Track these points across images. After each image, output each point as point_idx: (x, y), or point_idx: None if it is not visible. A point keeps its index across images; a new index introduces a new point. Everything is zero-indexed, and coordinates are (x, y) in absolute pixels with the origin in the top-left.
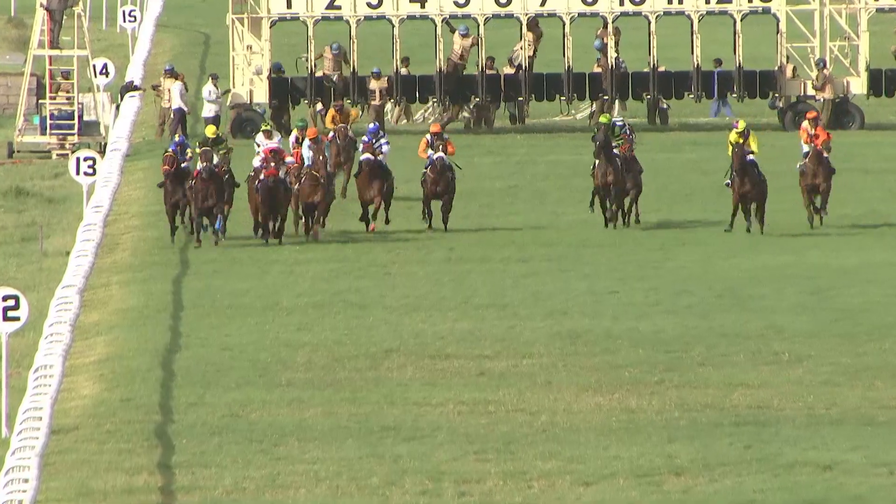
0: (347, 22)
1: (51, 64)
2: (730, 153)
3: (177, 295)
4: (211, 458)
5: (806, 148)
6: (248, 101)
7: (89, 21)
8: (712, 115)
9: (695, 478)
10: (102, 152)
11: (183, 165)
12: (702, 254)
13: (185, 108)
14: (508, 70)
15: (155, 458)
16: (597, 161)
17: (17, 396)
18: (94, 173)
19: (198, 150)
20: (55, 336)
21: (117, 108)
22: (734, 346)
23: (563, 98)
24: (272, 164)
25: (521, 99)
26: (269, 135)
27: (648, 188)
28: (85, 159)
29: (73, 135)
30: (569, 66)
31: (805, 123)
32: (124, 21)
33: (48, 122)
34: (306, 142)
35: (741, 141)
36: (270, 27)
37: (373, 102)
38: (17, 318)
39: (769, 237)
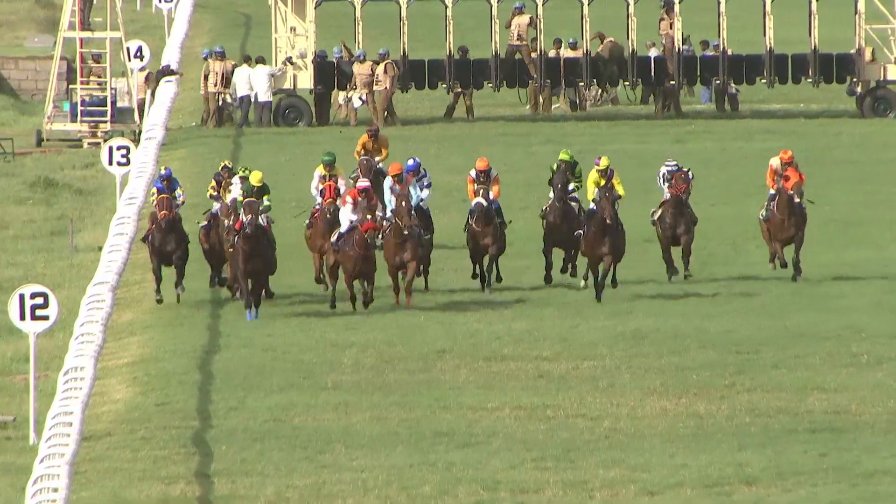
0: (398, 2)
1: (82, 47)
2: (593, 190)
3: (215, 292)
4: (252, 465)
5: (771, 191)
6: (292, 87)
7: (122, 1)
8: (704, 101)
9: (767, 488)
10: (137, 141)
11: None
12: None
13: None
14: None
15: (192, 466)
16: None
17: (45, 400)
18: (127, 163)
19: (240, 199)
20: (86, 336)
21: (152, 93)
22: (809, 347)
23: (626, 84)
24: (367, 213)
25: (581, 84)
26: (331, 167)
27: (718, 179)
28: (118, 148)
29: (105, 122)
30: (633, 51)
31: (775, 162)
32: (160, 1)
33: (79, 108)
34: (387, 181)
35: (602, 182)
36: (316, 8)
37: (377, 88)
38: (46, 318)
39: (845, 230)
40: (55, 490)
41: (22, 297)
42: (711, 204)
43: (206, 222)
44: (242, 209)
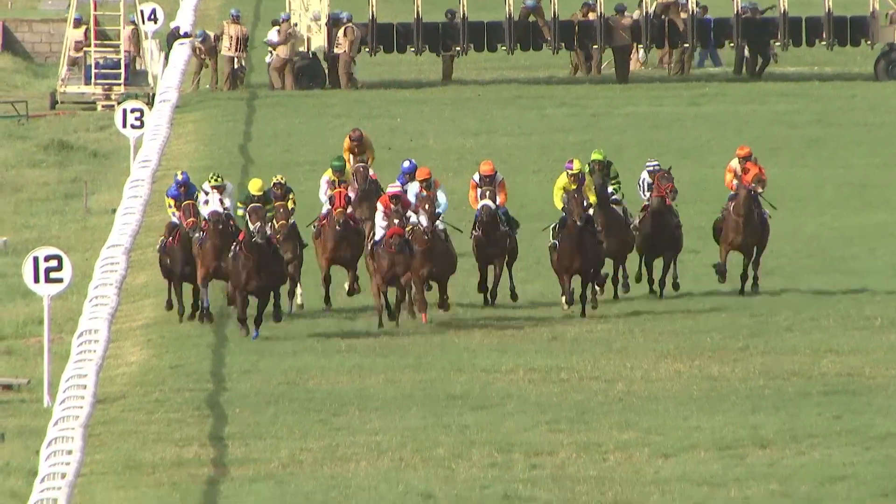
0: None
1: (95, 9)
2: (559, 197)
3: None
4: (266, 428)
5: (731, 192)
6: (306, 50)
7: None
8: (697, 65)
9: (781, 450)
10: (150, 103)
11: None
12: (790, 212)
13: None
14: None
15: (206, 428)
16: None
17: (59, 363)
18: (141, 126)
19: (240, 213)
20: (100, 299)
21: (166, 56)
22: (823, 309)
23: (640, 46)
24: (395, 218)
25: (595, 47)
26: (340, 173)
27: (732, 142)
28: (132, 111)
29: (119, 85)
30: (647, 14)
31: (733, 162)
32: None
33: (93, 71)
34: (413, 186)
35: (574, 188)
36: None
37: (336, 51)
38: (60, 280)
39: (860, 193)
40: (69, 453)
41: (36, 259)
42: (725, 167)
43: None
44: (249, 216)
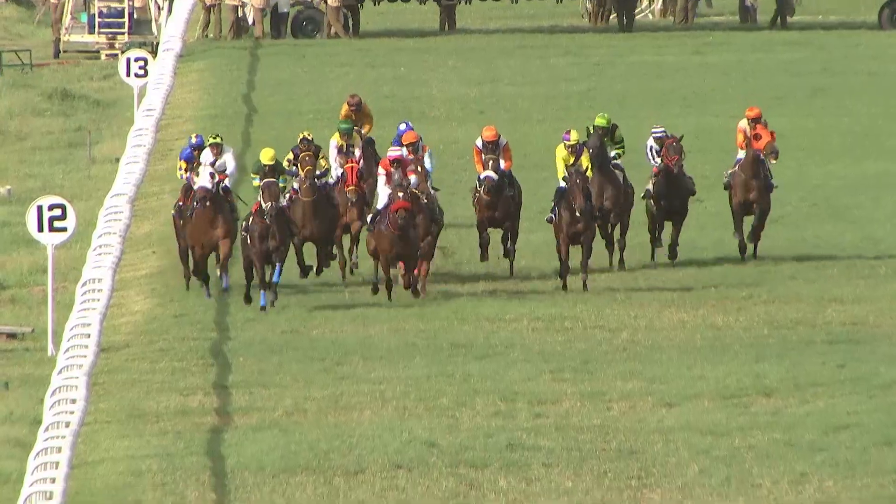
0: None
1: None
2: (562, 168)
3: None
4: (270, 377)
5: (741, 154)
6: None
7: None
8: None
9: (785, 399)
10: (154, 52)
11: (225, 183)
12: (795, 161)
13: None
14: None
15: (210, 377)
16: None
17: (63, 312)
18: (145, 75)
19: (256, 183)
20: (104, 248)
21: (170, 5)
22: (828, 258)
23: None
24: (398, 191)
25: None
26: (348, 136)
27: (737, 91)
28: (136, 60)
29: (123, 34)
30: None
31: (742, 123)
32: None
33: (97, 20)
34: (392, 146)
35: (572, 160)
36: None
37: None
38: (64, 229)
39: (865, 142)
40: (73, 401)
41: (40, 208)
42: (731, 116)
43: (285, 201)
44: (261, 193)
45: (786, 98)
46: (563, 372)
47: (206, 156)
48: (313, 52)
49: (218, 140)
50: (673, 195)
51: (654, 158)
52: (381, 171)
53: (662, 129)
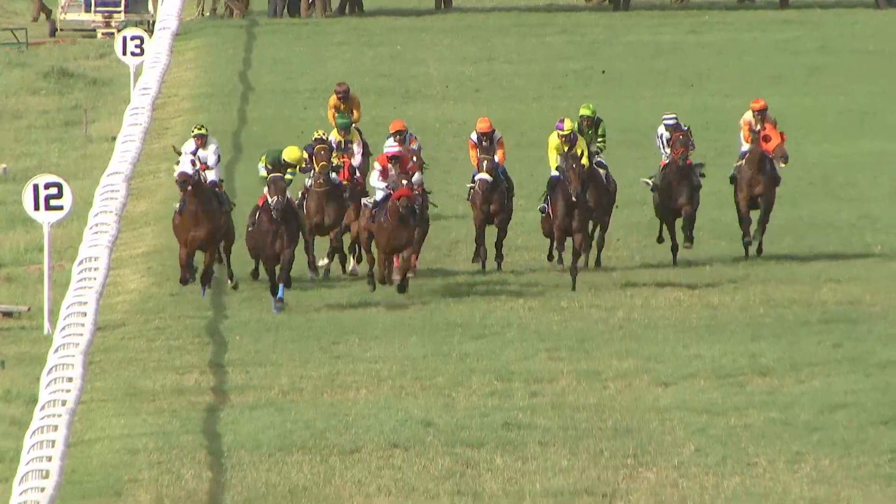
0: None
1: None
2: (554, 158)
3: (230, 182)
4: (266, 356)
5: (745, 147)
6: None
7: None
8: None
9: (781, 378)
10: (151, 31)
11: (210, 177)
12: (791, 140)
13: None
14: None
15: (206, 356)
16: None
17: (60, 290)
18: (141, 53)
19: (263, 174)
20: (100, 226)
21: None
22: (824, 237)
23: None
24: (401, 180)
25: None
26: (345, 132)
27: (732, 70)
28: (132, 38)
29: (119, 12)
30: None
31: (747, 115)
32: None
33: None
34: (388, 141)
35: (566, 149)
36: None
37: None
38: (61, 208)
39: (861, 120)
40: (69, 380)
41: (36, 187)
42: (726, 95)
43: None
44: (268, 187)
45: (782, 77)
46: (559, 351)
47: (189, 146)
48: (310, 31)
49: (203, 131)
50: (678, 190)
51: (663, 147)
52: (376, 165)
53: (674, 116)
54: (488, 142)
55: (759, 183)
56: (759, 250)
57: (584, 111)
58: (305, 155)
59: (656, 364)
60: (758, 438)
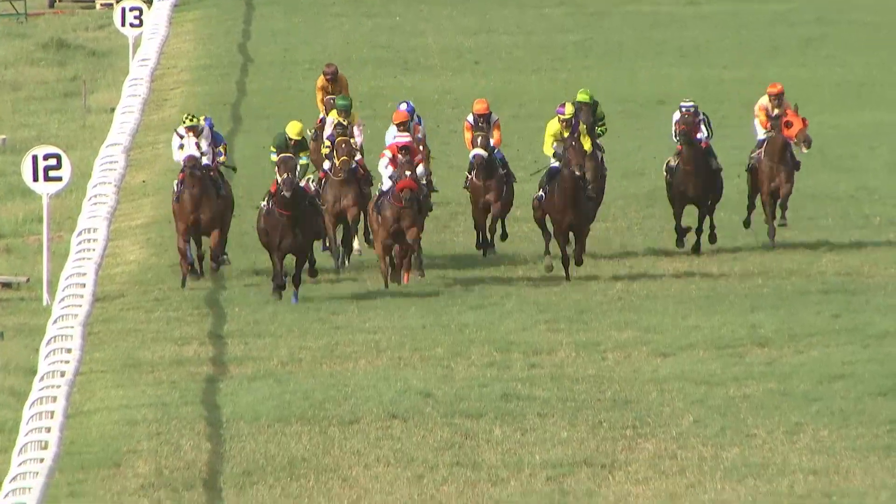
0: None
1: None
2: (550, 144)
3: (229, 154)
4: (265, 327)
5: (762, 135)
6: None
7: None
8: None
9: (779, 349)
10: (149, 2)
11: (205, 163)
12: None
13: None
14: None
15: (206, 327)
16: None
17: (59, 262)
18: (140, 24)
19: (273, 158)
20: (99, 198)
21: None
22: (822, 208)
23: None
24: (405, 169)
25: None
26: (346, 114)
27: (731, 42)
28: (131, 9)
29: None
30: None
31: (763, 100)
32: None
33: None
34: (391, 130)
35: (566, 135)
36: None
37: None
38: (59, 179)
39: (858, 92)
40: (68, 351)
41: (35, 158)
42: (724, 67)
43: (314, 183)
44: (277, 167)
45: (780, 48)
46: (558, 322)
47: (189, 144)
48: (309, 2)
49: (194, 122)
50: (692, 174)
51: (675, 133)
52: (386, 153)
53: (692, 103)
54: (485, 124)
55: (781, 172)
56: (785, 222)
57: (582, 97)
58: (327, 143)
59: (655, 335)
60: (756, 409)
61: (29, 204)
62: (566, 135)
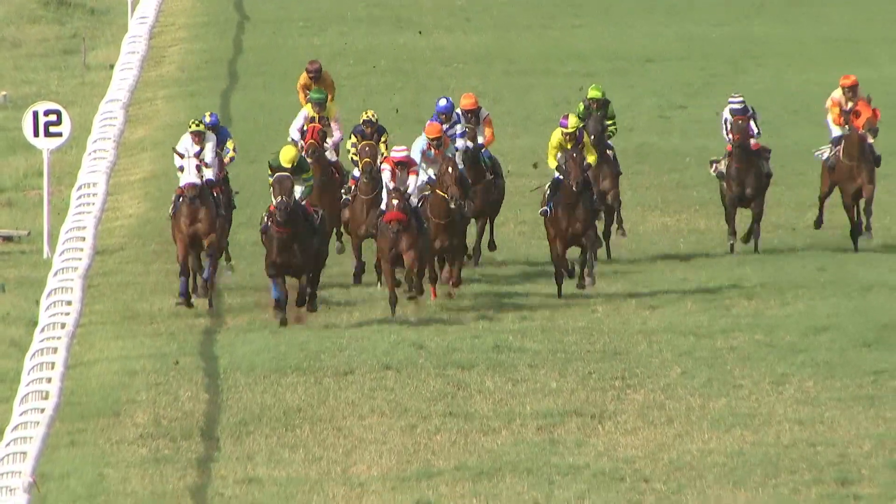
0: None
1: None
2: (554, 157)
3: (225, 110)
4: (261, 279)
5: (837, 131)
6: None
7: None
8: None
9: (766, 301)
10: None
11: (207, 175)
12: (775, 69)
13: None
14: None
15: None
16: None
17: (59, 216)
18: None
19: (271, 181)
20: (99, 153)
21: None
22: (808, 164)
23: None
24: (393, 198)
25: None
26: (320, 107)
27: None
28: None
29: None
30: None
31: (836, 94)
32: None
33: None
34: (421, 143)
35: (570, 146)
36: None
37: None
38: (60, 134)
39: (843, 49)
40: (68, 303)
41: (35, 114)
42: (713, 24)
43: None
44: (272, 188)
45: (764, 5)
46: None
47: (186, 141)
48: None
49: (200, 128)
50: (744, 177)
51: (727, 132)
52: (386, 166)
53: (741, 99)
54: (474, 119)
55: (863, 171)
56: (868, 231)
57: (594, 93)
58: (354, 139)
59: (644, 288)
60: (743, 360)
61: (30, 159)
62: (569, 147)
